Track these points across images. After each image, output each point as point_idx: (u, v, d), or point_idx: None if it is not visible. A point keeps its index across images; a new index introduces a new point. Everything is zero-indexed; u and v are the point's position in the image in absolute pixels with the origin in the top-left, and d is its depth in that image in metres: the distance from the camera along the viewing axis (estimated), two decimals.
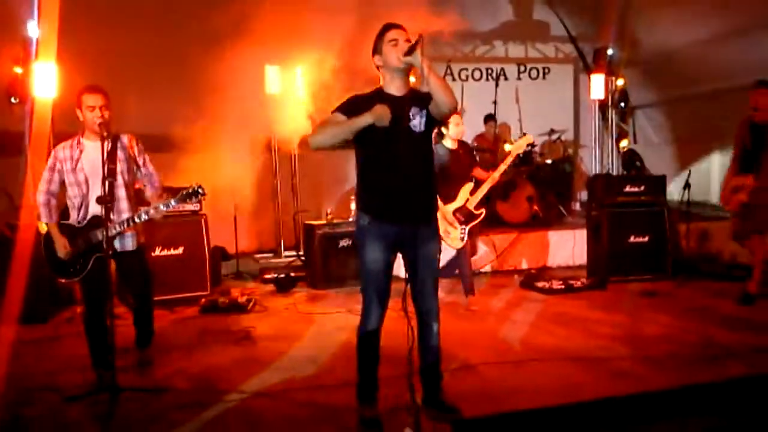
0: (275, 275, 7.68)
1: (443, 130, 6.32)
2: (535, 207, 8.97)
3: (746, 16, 8.13)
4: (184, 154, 7.71)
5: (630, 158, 10.15)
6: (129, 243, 4.81)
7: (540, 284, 7.19)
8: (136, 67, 7.99)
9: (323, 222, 7.81)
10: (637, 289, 6.99)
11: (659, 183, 7.78)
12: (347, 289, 7.28)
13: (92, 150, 4.60)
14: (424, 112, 3.76)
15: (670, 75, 9.88)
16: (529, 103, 10.62)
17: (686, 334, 5.45)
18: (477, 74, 11.07)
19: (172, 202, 4.82)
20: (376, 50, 3.80)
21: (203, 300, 6.69)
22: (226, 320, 6.24)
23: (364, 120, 3.61)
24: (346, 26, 7.53)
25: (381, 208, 3.77)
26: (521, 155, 7.41)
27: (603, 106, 9.95)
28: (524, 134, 6.67)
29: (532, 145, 9.29)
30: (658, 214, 7.62)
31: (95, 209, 4.58)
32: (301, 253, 8.54)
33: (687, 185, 7.99)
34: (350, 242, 7.55)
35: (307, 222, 8.10)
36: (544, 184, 9.48)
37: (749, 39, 8.16)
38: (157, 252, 6.71)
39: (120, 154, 4.71)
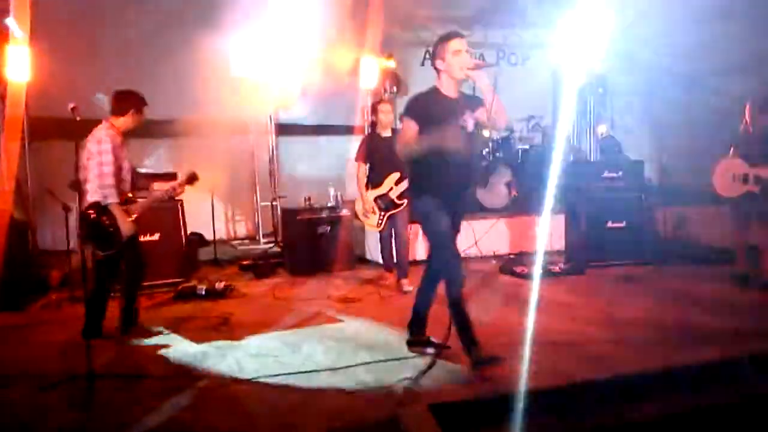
0: (253, 262, 7.64)
1: (374, 118, 6.82)
2: (514, 192, 8.99)
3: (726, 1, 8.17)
4: (158, 140, 7.65)
5: (608, 144, 10.20)
6: None
7: (518, 269, 7.22)
8: (108, 51, 7.88)
9: (302, 208, 7.77)
10: (614, 274, 7.04)
11: (637, 168, 7.82)
12: (325, 276, 7.28)
13: None
14: (474, 114, 4.34)
15: (650, 60, 9.91)
16: (508, 89, 10.58)
17: (663, 318, 5.50)
18: None
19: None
20: (438, 55, 4.34)
21: (180, 286, 6.64)
22: (203, 307, 6.21)
23: (440, 143, 4.15)
24: (328, 9, 7.50)
25: (441, 189, 4.36)
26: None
27: (582, 92, 9.97)
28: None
29: (512, 130, 9.33)
30: (635, 200, 7.67)
31: None
32: (279, 240, 8.50)
33: (664, 170, 8.06)
34: (328, 228, 7.54)
35: (285, 208, 8.06)
36: (522, 170, 9.49)
37: (732, 24, 8.20)
38: None
39: None
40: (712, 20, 8.34)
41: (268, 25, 7.85)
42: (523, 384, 4.07)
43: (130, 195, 5.29)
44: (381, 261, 7.08)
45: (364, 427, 3.62)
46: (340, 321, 5.69)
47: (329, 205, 7.81)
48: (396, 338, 5.07)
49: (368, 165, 6.75)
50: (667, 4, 8.69)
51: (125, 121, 5.24)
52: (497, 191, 8.96)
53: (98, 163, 4.96)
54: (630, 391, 3.95)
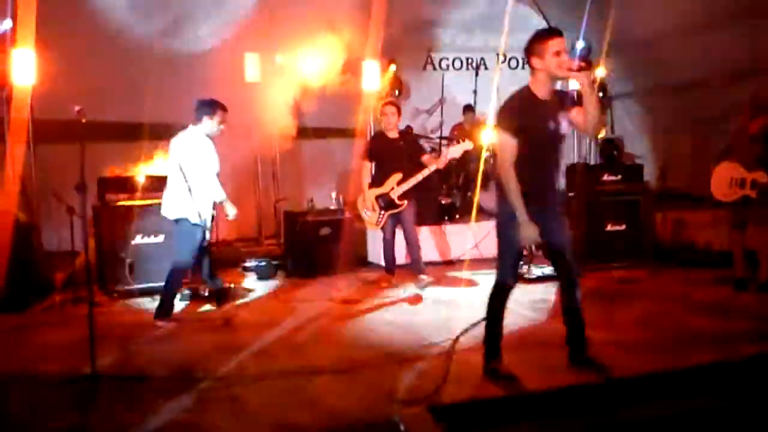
0: (255, 263, 7.69)
1: (381, 118, 6.83)
2: None
3: (723, 5, 8.22)
4: (163, 143, 7.69)
5: (608, 147, 10.24)
6: None
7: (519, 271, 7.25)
8: (114, 54, 7.93)
9: (304, 210, 7.82)
10: (613, 277, 7.08)
11: (636, 172, 7.87)
12: (327, 278, 7.33)
13: None
14: (568, 115, 4.12)
15: (649, 65, 9.96)
16: (509, 93, 10.62)
17: (661, 321, 5.55)
18: (457, 63, 11.09)
19: None
20: (536, 53, 4.03)
21: (183, 287, 6.68)
22: (204, 308, 6.26)
23: (520, 219, 3.98)
24: (328, 13, 7.55)
25: (530, 195, 4.03)
26: (455, 160, 7.61)
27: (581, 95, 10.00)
28: (464, 140, 6.81)
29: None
30: (634, 203, 7.72)
31: None
32: (281, 241, 8.55)
33: (663, 174, 8.11)
34: (330, 231, 7.59)
35: (287, 210, 8.11)
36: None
37: (729, 28, 8.24)
38: (138, 240, 6.69)
39: None
40: (712, 25, 8.39)
41: (273, 30, 7.92)
42: (522, 386, 4.14)
43: None
44: (383, 263, 7.13)
45: (365, 428, 3.67)
46: (342, 323, 5.74)
47: (331, 207, 7.86)
48: (397, 340, 5.12)
49: (373, 164, 6.87)
50: (666, 8, 8.76)
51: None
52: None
53: None
54: (628, 394, 4.00)
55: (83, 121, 4.41)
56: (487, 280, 7.08)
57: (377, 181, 6.82)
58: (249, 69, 8.38)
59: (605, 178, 7.68)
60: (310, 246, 7.58)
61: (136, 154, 7.35)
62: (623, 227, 7.63)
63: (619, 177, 7.73)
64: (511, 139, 4.02)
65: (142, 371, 4.57)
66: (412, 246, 6.86)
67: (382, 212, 6.77)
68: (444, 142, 9.55)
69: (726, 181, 6.37)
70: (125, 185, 6.84)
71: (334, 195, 7.94)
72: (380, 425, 3.64)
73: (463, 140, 6.84)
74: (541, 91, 4.09)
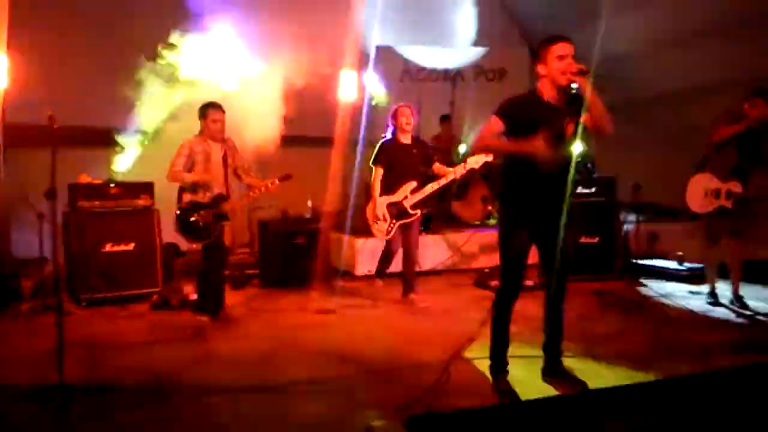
0: (229, 273, 7.61)
1: (394, 122, 6.46)
2: (489, 207, 9.05)
3: (698, 20, 8.33)
4: (136, 149, 7.62)
5: (581, 160, 10.31)
6: None
7: (493, 283, 7.25)
8: (87, 59, 7.84)
9: (278, 219, 7.77)
10: (586, 289, 7.11)
11: (609, 185, 7.93)
12: (301, 287, 7.27)
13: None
14: (575, 122, 4.06)
15: (621, 78, 10.06)
16: (485, 105, 10.68)
17: (634, 333, 5.58)
18: (434, 75, 11.13)
19: None
20: (541, 59, 4.06)
21: (155, 297, 6.61)
22: (177, 317, 6.18)
23: (526, 151, 3.95)
24: (308, 21, 7.52)
25: (524, 208, 4.15)
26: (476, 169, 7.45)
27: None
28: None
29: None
30: (608, 215, 7.78)
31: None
32: (255, 251, 8.47)
33: (638, 187, 8.18)
34: (305, 240, 7.54)
35: (262, 219, 8.06)
36: (497, 184, 9.58)
37: (701, 43, 8.36)
38: (108, 248, 6.59)
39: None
40: (686, 39, 8.50)
41: (248, 38, 7.86)
42: (496, 398, 4.13)
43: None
44: (372, 272, 7.05)
45: None
46: (316, 333, 5.69)
47: (307, 217, 7.82)
48: (373, 350, 5.09)
49: (383, 170, 6.52)
50: (637, 26, 8.88)
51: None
52: (473, 205, 9.01)
53: None
54: (601, 406, 4.00)
55: (54, 126, 4.33)
56: (463, 291, 7.14)
57: (388, 188, 6.47)
58: (232, 79, 8.30)
59: (579, 191, 7.71)
60: (285, 256, 7.52)
61: (108, 161, 7.26)
62: (596, 240, 7.67)
63: (593, 190, 7.78)
64: (499, 120, 4.04)
65: (111, 382, 4.48)
66: (411, 261, 6.58)
67: (393, 221, 6.46)
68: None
69: (701, 192, 6.44)
70: (96, 192, 6.73)
71: (309, 204, 7.89)
72: None
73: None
74: (547, 95, 4.08)
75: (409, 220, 6.45)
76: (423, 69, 11.04)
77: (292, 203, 8.07)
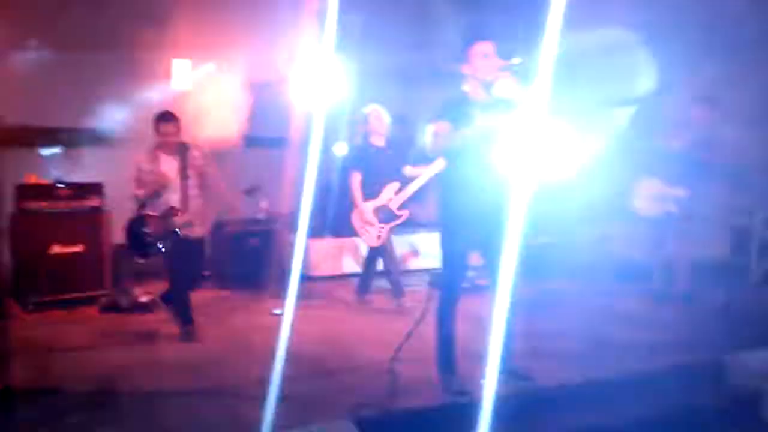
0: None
1: (367, 126, 6.38)
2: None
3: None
4: (88, 150, 7.50)
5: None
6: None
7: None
8: (36, 58, 7.67)
9: (231, 220, 7.71)
10: (537, 289, 7.20)
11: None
12: (254, 289, 7.22)
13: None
14: (507, 120, 4.08)
15: (567, 85, 10.21)
16: (416, 104, 10.70)
17: (580, 331, 5.68)
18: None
19: None
20: (466, 59, 4.13)
21: (103, 299, 6.50)
22: (127, 320, 6.10)
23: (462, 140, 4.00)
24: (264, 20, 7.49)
25: (463, 207, 4.18)
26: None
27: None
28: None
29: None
30: (560, 218, 7.90)
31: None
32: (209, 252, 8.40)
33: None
34: (259, 241, 7.50)
35: (215, 221, 7.98)
36: None
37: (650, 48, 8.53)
38: (56, 250, 6.47)
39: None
40: (636, 44, 8.67)
41: (201, 37, 7.80)
42: (446, 397, 4.17)
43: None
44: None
45: None
46: (270, 336, 5.65)
47: (259, 217, 7.77)
48: (326, 352, 5.09)
49: (361, 176, 6.38)
50: (578, 26, 9.01)
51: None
52: (429, 205, 9.05)
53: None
54: (550, 404, 4.07)
55: (1, 125, 4.25)
56: (419, 291, 7.16)
57: (369, 194, 6.36)
58: (177, 76, 8.21)
59: None
60: (238, 257, 7.47)
61: (56, 161, 7.11)
62: (547, 241, 7.78)
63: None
64: (445, 123, 4.07)
65: (59, 386, 4.40)
66: (393, 265, 6.48)
67: (382, 226, 6.33)
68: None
69: (648, 196, 6.60)
70: (44, 192, 6.59)
71: (263, 205, 7.84)
72: None
73: None
74: (478, 97, 4.13)
75: (398, 222, 6.38)
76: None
77: (247, 204, 8.01)
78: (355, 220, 6.42)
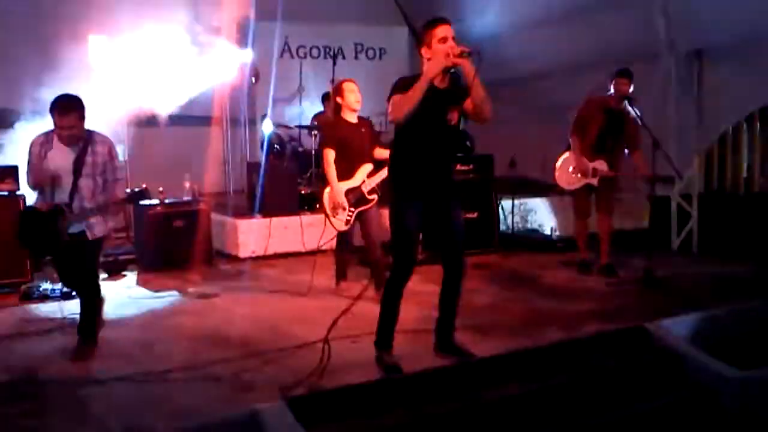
0: (103, 258, 7.31)
1: (338, 100, 5.92)
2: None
3: (565, 2, 8.66)
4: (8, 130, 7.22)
5: (460, 139, 10.54)
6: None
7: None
8: None
9: (155, 202, 7.50)
10: (468, 263, 7.29)
11: (487, 162, 8.15)
12: (181, 271, 7.07)
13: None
14: (460, 108, 4.14)
15: (496, 57, 10.33)
16: (366, 83, 10.70)
17: (511, 303, 5.80)
18: (315, 52, 11.03)
19: None
20: (425, 42, 4.11)
21: (24, 287, 6.26)
22: (50, 307, 5.88)
23: (425, 81, 3.91)
24: None
25: (413, 188, 4.22)
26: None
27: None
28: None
29: None
30: (485, 192, 8.02)
31: None
32: (130, 234, 8.19)
33: (513, 163, 8.48)
34: (184, 223, 7.33)
35: (138, 203, 7.77)
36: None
37: (573, 23, 8.70)
38: None
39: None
40: (558, 20, 8.82)
41: (121, 11, 7.56)
42: (381, 373, 4.18)
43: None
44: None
45: (221, 423, 3.58)
46: (198, 318, 5.57)
47: (185, 198, 7.59)
48: (256, 332, 5.04)
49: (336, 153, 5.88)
50: (507, 5, 9.16)
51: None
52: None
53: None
54: (484, 375, 4.12)
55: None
56: (352, 269, 7.12)
57: (344, 173, 5.85)
58: (94, 52, 7.91)
59: (458, 168, 7.88)
60: (162, 239, 7.28)
61: None
62: (476, 215, 7.88)
63: (471, 167, 7.98)
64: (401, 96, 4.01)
65: None
66: (375, 250, 5.92)
67: (352, 210, 5.86)
68: (305, 132, 9.50)
69: (569, 170, 6.73)
70: None
71: (187, 185, 7.65)
72: (236, 419, 3.56)
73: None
74: (434, 80, 4.05)
75: (367, 207, 5.90)
76: (303, 46, 10.93)
77: (170, 185, 7.82)
78: (327, 200, 5.94)
